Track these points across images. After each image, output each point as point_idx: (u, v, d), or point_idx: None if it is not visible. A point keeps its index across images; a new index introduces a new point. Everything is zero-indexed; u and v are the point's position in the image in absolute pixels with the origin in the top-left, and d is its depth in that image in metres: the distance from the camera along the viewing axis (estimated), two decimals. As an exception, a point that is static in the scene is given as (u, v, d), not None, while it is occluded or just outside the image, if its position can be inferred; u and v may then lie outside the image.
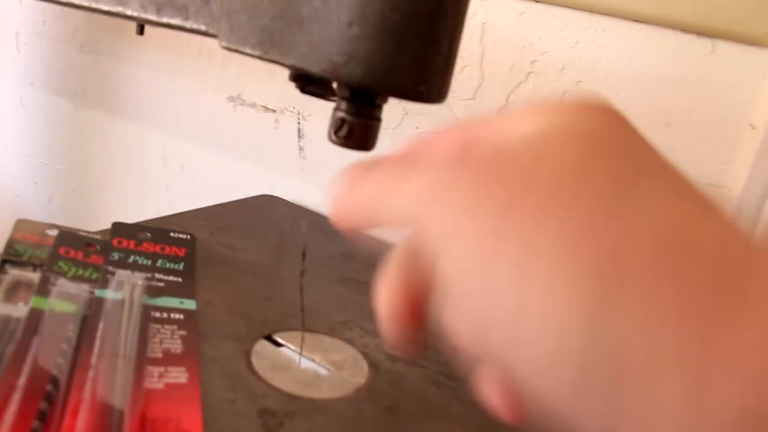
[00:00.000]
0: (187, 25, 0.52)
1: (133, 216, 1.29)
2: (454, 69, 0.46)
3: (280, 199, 1.01)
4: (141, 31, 0.61)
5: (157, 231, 0.74)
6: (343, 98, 0.46)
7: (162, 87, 1.17)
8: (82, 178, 1.35)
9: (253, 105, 1.07)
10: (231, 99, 1.09)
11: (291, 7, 0.44)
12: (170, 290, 0.64)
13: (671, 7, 0.74)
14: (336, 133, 0.46)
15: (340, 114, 0.46)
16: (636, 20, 0.76)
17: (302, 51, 0.44)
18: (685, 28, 0.74)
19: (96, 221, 1.35)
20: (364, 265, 0.79)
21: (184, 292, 0.64)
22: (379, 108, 0.47)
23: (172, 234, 0.75)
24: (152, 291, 0.63)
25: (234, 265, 0.74)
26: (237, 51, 0.48)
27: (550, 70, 0.81)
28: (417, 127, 0.91)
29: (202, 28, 0.51)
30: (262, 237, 0.85)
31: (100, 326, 0.54)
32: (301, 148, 1.03)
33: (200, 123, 1.14)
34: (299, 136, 1.03)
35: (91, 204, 1.35)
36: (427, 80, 0.43)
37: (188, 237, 0.75)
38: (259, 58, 0.46)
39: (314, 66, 0.43)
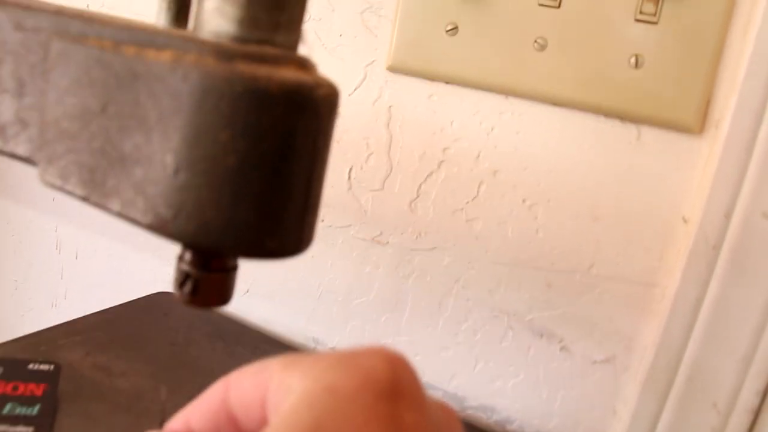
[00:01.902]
0: (7, 149, 0.43)
1: (26, 306, 1.19)
2: (317, 212, 0.37)
3: (178, 297, 0.91)
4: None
5: (11, 364, 0.64)
6: (186, 247, 0.37)
7: (53, 168, 1.07)
8: (-29, 265, 1.24)
9: (148, 191, 0.97)
10: (124, 184, 0.99)
11: (111, 142, 0.35)
12: (16, 446, 0.54)
13: (591, 90, 0.67)
14: (180, 288, 0.37)
15: (183, 266, 0.37)
16: (555, 104, 0.69)
17: (127, 197, 0.35)
18: (607, 113, 0.67)
19: (-13, 312, 1.24)
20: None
21: (34, 447, 0.54)
22: (233, 255, 0.38)
23: (30, 366, 0.64)
24: (-9, 451, 0.53)
25: (106, 398, 0.64)
26: (58, 188, 0.38)
27: (463, 158, 0.74)
28: (323, 220, 0.82)
29: (23, 154, 0.42)
30: (148, 353, 0.75)
31: None
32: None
33: (95, 208, 1.04)
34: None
35: (-18, 293, 1.24)
36: (278, 234, 0.34)
37: (51, 368, 0.65)
38: (83, 200, 0.37)
39: (141, 216, 0.34)
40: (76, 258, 1.08)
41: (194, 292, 0.37)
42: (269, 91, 0.31)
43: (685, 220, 0.66)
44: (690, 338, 0.66)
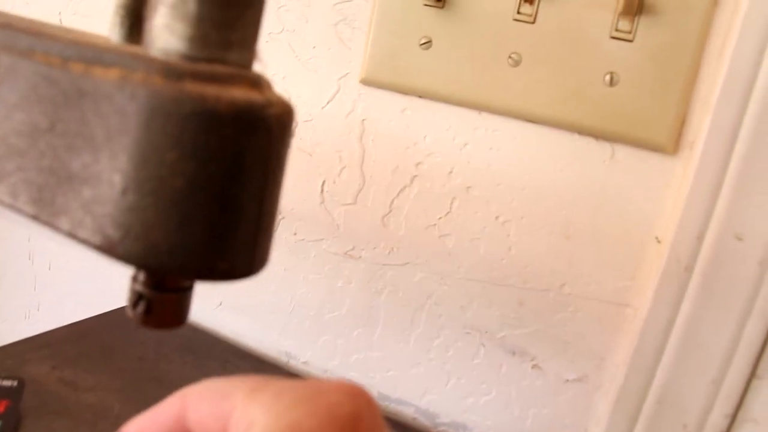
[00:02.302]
0: (-42, 164, 0.42)
1: (-1, 316, 1.18)
2: (271, 232, 0.36)
3: (149, 310, 0.90)
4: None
5: (-28, 379, 0.63)
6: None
7: (27, 177, 1.06)
8: (-56, 274, 1.22)
9: (121, 201, 0.96)
10: (98, 194, 0.98)
11: (60, 160, 0.34)
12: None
13: (565, 107, 0.66)
14: (133, 308, 0.36)
15: (136, 287, 0.36)
16: (529, 120, 0.69)
17: (76, 216, 0.34)
18: (582, 131, 0.67)
19: (-40, 322, 1.22)
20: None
21: (-8, 466, 0.53)
22: (188, 275, 0.37)
23: (-8, 381, 0.63)
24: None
25: (72, 413, 0.63)
26: (8, 206, 0.37)
27: (437, 174, 0.73)
28: (295, 233, 0.81)
29: (-26, 170, 0.41)
30: (117, 367, 0.74)
31: None
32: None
33: (67, 219, 1.03)
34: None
35: (-45, 302, 1.22)
36: (229, 256, 0.33)
37: (14, 384, 0.64)
38: (33, 218, 0.36)
39: (90, 236, 0.33)
40: (49, 269, 1.07)
41: (148, 312, 0.36)
42: (217, 111, 0.30)
43: (658, 240, 0.65)
44: (661, 359, 0.65)
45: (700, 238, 0.61)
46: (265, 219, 0.35)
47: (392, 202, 0.76)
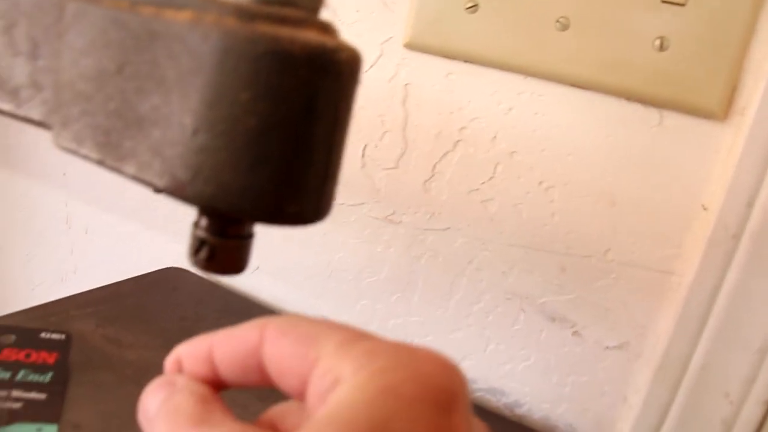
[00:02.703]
0: (20, 113, 0.42)
1: (36, 280, 1.19)
2: (337, 178, 0.36)
3: (187, 272, 0.91)
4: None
5: (24, 332, 0.64)
6: (202, 213, 0.36)
7: (65, 141, 1.07)
8: (-19, 238, 1.24)
9: (160, 166, 0.97)
10: (137, 158, 0.98)
11: (128, 103, 0.34)
12: (28, 413, 0.54)
13: (614, 72, 0.66)
14: (195, 255, 0.36)
15: (199, 233, 0.36)
16: (575, 85, 0.68)
17: (143, 159, 0.34)
18: (630, 97, 0.66)
19: (-3, 284, 1.24)
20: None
21: (46, 415, 0.54)
22: (250, 222, 0.37)
23: (42, 335, 0.64)
24: (3, 417, 0.52)
25: (115, 369, 0.64)
26: (73, 152, 0.38)
27: (480, 139, 0.73)
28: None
29: (36, 117, 0.41)
30: (157, 327, 0.74)
31: None
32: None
33: (105, 183, 1.04)
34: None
35: (-8, 266, 1.24)
36: (298, 199, 0.33)
37: (62, 337, 0.64)
38: (98, 163, 0.36)
39: (157, 179, 0.33)
40: (86, 233, 1.08)
41: (210, 258, 0.36)
42: (292, 52, 0.30)
43: (704, 208, 0.65)
44: (705, 327, 0.65)
45: (750, 205, 0.60)
46: (333, 164, 0.35)
47: (434, 166, 0.75)
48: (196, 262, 0.37)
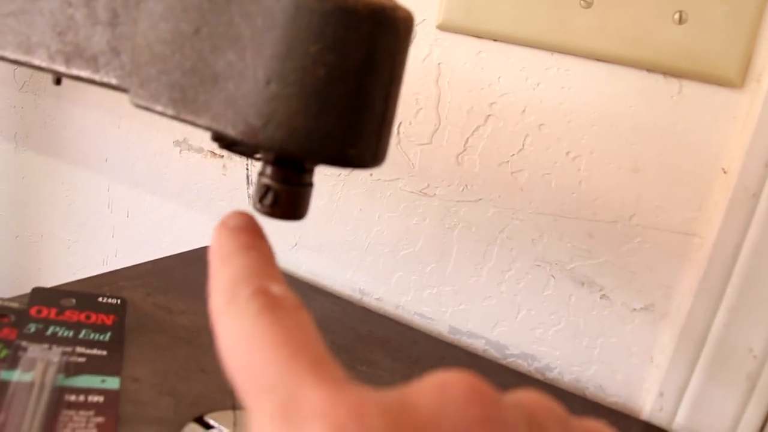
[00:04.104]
0: (97, 78, 0.46)
1: (77, 265, 1.23)
2: (392, 128, 0.40)
3: (228, 250, 0.95)
4: (58, 81, 0.55)
5: (82, 296, 0.68)
6: (267, 162, 0.40)
7: (106, 129, 1.11)
8: (24, 225, 1.28)
9: (200, 150, 1.01)
10: (177, 143, 1.03)
11: (204, 61, 0.38)
12: (91, 367, 0.58)
13: (636, 46, 0.69)
14: (260, 201, 0.40)
15: (265, 180, 0.40)
16: (599, 60, 0.72)
17: (217, 111, 0.38)
18: (651, 69, 0.70)
19: (39, 270, 1.29)
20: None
21: (108, 369, 0.58)
22: (310, 172, 0.41)
23: (100, 299, 0.68)
24: (70, 369, 0.56)
25: (168, 332, 0.68)
26: (148, 109, 0.42)
27: (510, 113, 0.76)
28: (371, 174, 0.85)
29: (114, 81, 0.45)
30: (203, 297, 0.78)
31: (0, 418, 0.48)
32: (250, 196, 0.97)
33: (146, 168, 1.08)
34: (248, 183, 0.97)
35: (34, 252, 1.28)
36: (358, 143, 0.37)
37: (118, 302, 0.69)
38: (173, 117, 0.40)
39: (230, 128, 0.37)
40: (128, 216, 1.12)
41: (274, 203, 0.40)
42: (357, 9, 0.34)
43: (724, 171, 0.68)
44: (728, 286, 0.68)
45: (768, 165, 0.64)
46: (389, 113, 0.39)
47: (467, 141, 0.79)
48: (261, 208, 0.40)
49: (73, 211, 1.20)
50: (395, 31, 0.36)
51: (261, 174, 0.41)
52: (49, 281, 1.28)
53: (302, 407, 0.19)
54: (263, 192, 0.40)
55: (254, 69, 0.36)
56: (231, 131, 0.37)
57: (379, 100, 0.38)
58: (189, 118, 0.39)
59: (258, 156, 0.42)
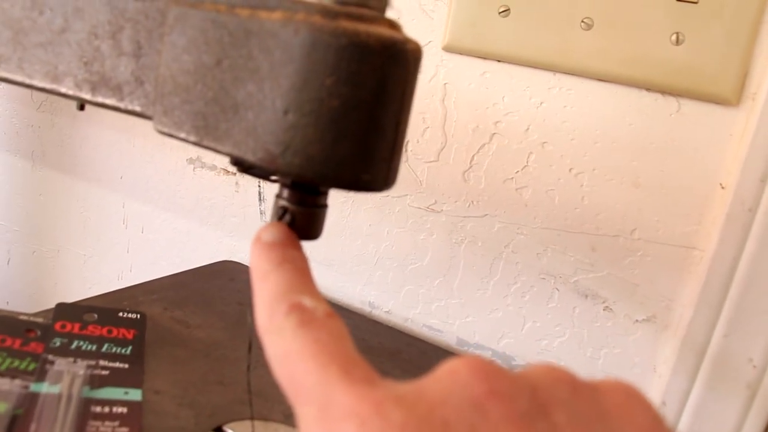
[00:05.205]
0: (122, 105, 0.49)
1: (92, 279, 1.26)
2: (401, 153, 0.43)
3: (241, 265, 0.98)
4: (82, 107, 0.58)
5: (104, 311, 0.70)
6: (284, 186, 0.43)
7: (121, 147, 1.14)
8: (41, 240, 1.31)
9: (213, 168, 1.04)
10: (191, 161, 1.06)
11: (225, 91, 0.41)
12: (115, 379, 0.60)
13: (635, 66, 0.72)
14: (278, 221, 0.43)
15: (282, 202, 0.43)
16: (600, 79, 0.74)
17: (238, 138, 0.41)
18: (650, 88, 0.72)
19: (55, 285, 1.31)
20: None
21: (130, 381, 0.60)
22: (325, 194, 0.44)
23: (120, 314, 0.71)
24: (95, 381, 0.59)
25: (187, 345, 0.71)
26: (171, 136, 0.44)
27: (514, 131, 0.79)
28: (380, 190, 0.88)
29: (138, 109, 0.48)
30: (219, 311, 0.81)
31: (32, 427, 0.50)
32: (262, 212, 1.00)
33: (160, 185, 1.11)
34: (260, 200, 1.00)
35: (50, 267, 1.31)
36: (371, 169, 0.40)
37: (138, 316, 0.71)
38: (195, 144, 0.43)
39: (250, 155, 0.40)
40: (142, 232, 1.15)
41: (291, 224, 0.43)
42: (369, 44, 0.37)
43: (722, 187, 0.70)
44: (727, 297, 0.70)
45: (764, 180, 0.66)
46: (399, 139, 0.42)
47: (472, 158, 0.82)
48: (279, 230, 0.43)
49: (88, 227, 1.23)
50: (405, 63, 0.39)
51: (278, 196, 0.43)
52: (65, 295, 1.31)
53: (336, 410, 0.22)
54: (281, 214, 0.43)
55: (272, 99, 0.38)
56: (251, 158, 0.40)
57: (390, 128, 0.40)
58: (211, 145, 0.42)
59: (273, 178, 0.45)
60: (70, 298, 1.29)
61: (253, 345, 0.70)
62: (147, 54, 0.47)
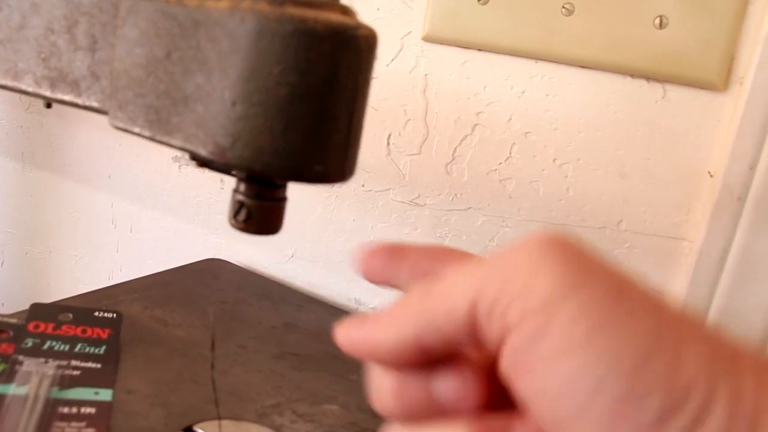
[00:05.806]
0: (80, 101, 0.48)
1: (84, 279, 1.25)
2: (359, 143, 0.41)
3: (227, 262, 0.97)
4: (48, 105, 0.57)
5: (79, 311, 0.69)
6: (240, 179, 0.42)
7: (108, 147, 1.13)
8: (33, 242, 1.30)
9: (197, 164, 1.02)
10: (176, 159, 1.04)
11: (175, 84, 0.40)
12: (86, 379, 0.59)
13: (618, 52, 0.70)
14: (234, 217, 0.42)
15: (238, 197, 0.42)
16: (583, 66, 0.73)
17: (189, 132, 0.39)
18: (634, 74, 0.71)
19: (48, 286, 1.31)
20: (306, 336, 0.75)
21: (102, 381, 0.59)
22: (283, 188, 0.43)
23: (96, 314, 0.70)
24: (65, 381, 0.58)
25: (164, 344, 0.70)
26: (126, 131, 0.43)
27: (496, 122, 0.77)
28: (363, 185, 0.86)
29: (95, 105, 0.47)
30: (200, 309, 0.80)
31: (-6, 432, 0.49)
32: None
33: (146, 184, 1.10)
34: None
35: (43, 268, 1.30)
36: (324, 160, 0.38)
37: (114, 315, 0.70)
38: (149, 138, 0.41)
39: (201, 148, 0.38)
40: (131, 231, 1.14)
41: (248, 218, 0.42)
42: (316, 31, 0.35)
43: (710, 175, 0.69)
44: (716, 289, 0.69)
45: (752, 168, 0.64)
46: (355, 130, 0.40)
47: (455, 150, 0.80)
48: (235, 224, 0.42)
49: (78, 228, 1.22)
50: (357, 50, 0.37)
51: (235, 191, 0.42)
52: (58, 296, 1.29)
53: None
54: (237, 208, 0.42)
55: (221, 90, 0.37)
56: (202, 151, 0.38)
57: (344, 117, 0.39)
58: (164, 139, 0.41)
59: (234, 172, 0.43)
60: (63, 298, 1.28)
61: (215, 343, 0.69)
62: (102, 48, 0.45)
